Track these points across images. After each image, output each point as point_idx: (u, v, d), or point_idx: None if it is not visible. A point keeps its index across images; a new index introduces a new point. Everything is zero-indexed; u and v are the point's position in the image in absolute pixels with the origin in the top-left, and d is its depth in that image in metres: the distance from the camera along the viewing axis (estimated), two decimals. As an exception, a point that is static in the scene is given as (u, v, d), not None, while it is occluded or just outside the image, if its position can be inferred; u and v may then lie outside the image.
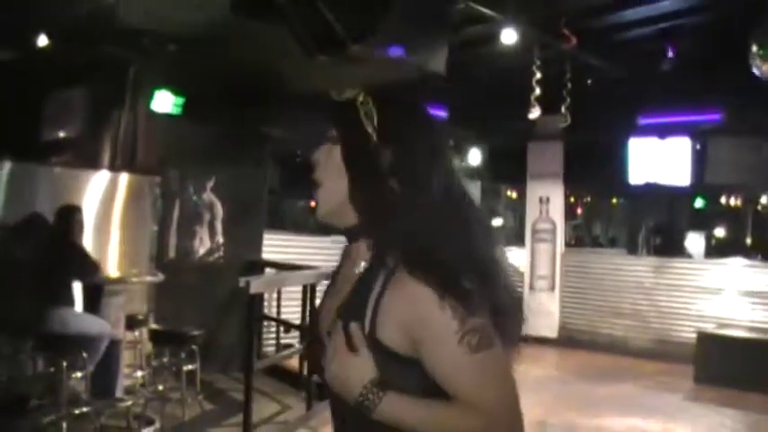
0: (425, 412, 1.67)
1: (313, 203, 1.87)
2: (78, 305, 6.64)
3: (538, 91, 9.07)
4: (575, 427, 7.82)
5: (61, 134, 9.54)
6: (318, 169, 1.86)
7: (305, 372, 7.95)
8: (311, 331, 1.99)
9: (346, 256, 1.93)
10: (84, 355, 6.14)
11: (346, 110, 1.82)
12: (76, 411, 6.26)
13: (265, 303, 9.40)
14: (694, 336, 10.48)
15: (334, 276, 2.00)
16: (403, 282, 1.67)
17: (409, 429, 1.68)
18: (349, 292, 1.80)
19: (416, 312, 1.66)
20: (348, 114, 1.81)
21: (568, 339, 12.61)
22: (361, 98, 1.81)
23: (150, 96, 8.53)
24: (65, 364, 6.04)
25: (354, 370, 1.69)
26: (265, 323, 9.50)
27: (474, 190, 9.61)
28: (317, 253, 10.72)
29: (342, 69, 7.61)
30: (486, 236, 1.82)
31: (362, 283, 1.77)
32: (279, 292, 9.50)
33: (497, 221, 17.63)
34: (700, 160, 11.56)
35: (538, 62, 8.98)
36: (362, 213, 1.79)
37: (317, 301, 7.68)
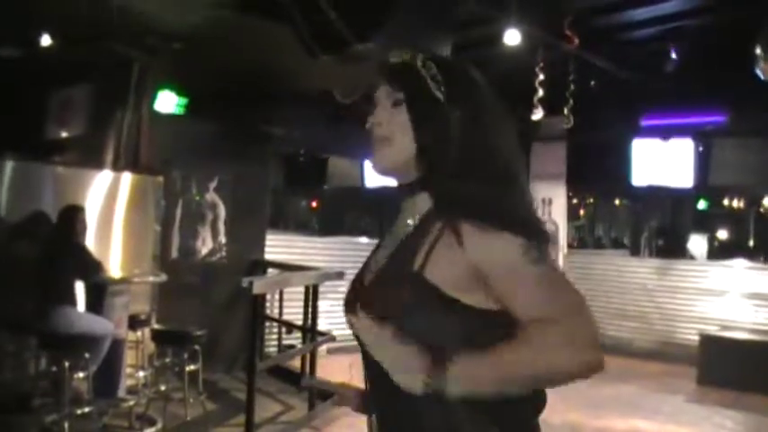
0: (498, 359, 1.66)
1: (376, 158, 1.91)
2: (81, 305, 6.64)
3: (541, 92, 9.06)
4: (577, 428, 7.82)
5: (64, 133, 9.54)
6: (381, 127, 1.88)
7: (307, 372, 7.94)
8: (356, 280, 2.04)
9: (401, 211, 1.95)
10: (87, 354, 6.14)
11: (409, 72, 1.84)
12: (79, 411, 6.26)
13: (268, 304, 9.40)
14: (697, 338, 10.47)
15: (383, 234, 2.03)
16: (464, 227, 1.70)
17: (490, 389, 1.67)
18: (401, 241, 1.86)
19: (484, 252, 1.69)
20: (412, 77, 1.84)
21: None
22: (420, 61, 1.84)
23: (154, 96, 8.53)
24: (67, 363, 6.04)
25: (409, 361, 1.69)
26: (267, 323, 9.51)
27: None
28: (319, 253, 10.74)
29: (345, 69, 7.62)
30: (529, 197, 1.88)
31: (417, 232, 1.82)
32: (281, 293, 9.50)
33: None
34: (703, 162, 11.55)
35: (541, 63, 8.96)
36: (432, 170, 1.82)
37: (320, 302, 7.71)
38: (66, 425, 6.03)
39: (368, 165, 14.03)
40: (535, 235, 1.72)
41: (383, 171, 1.92)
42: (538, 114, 9.16)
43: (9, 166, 7.22)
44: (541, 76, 8.98)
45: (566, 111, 9.47)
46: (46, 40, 7.82)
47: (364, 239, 12.92)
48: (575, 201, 18.79)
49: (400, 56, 1.88)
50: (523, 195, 1.84)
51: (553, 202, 13.12)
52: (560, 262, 13.09)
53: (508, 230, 1.68)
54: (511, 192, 1.80)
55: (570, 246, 14.15)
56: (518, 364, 1.66)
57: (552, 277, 1.74)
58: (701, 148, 11.52)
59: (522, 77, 9.11)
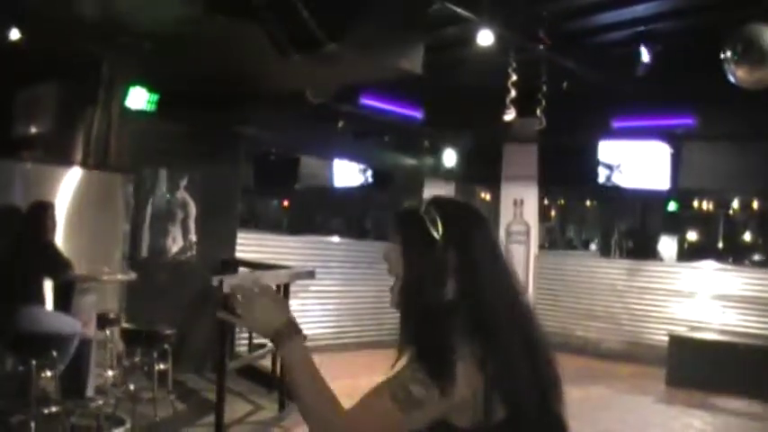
0: (312, 376, 2.01)
1: (391, 294, 2.16)
2: (49, 303, 6.57)
3: (513, 93, 9.08)
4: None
5: (33, 129, 9.44)
6: (389, 266, 2.13)
7: (278, 372, 7.92)
8: None
9: None
10: (55, 354, 6.07)
11: (409, 217, 2.12)
12: (46, 411, 6.20)
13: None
14: (666, 338, 10.54)
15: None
16: None
17: (292, 377, 2.01)
18: None
19: None
20: (410, 221, 2.10)
21: (541, 341, 12.66)
22: (424, 206, 2.09)
23: (124, 93, 8.47)
24: (35, 363, 5.98)
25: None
26: (238, 323, 9.47)
27: (447, 192, 9.59)
28: (290, 253, 10.72)
29: (317, 69, 7.60)
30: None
31: None
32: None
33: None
34: (673, 164, 11.64)
35: (514, 64, 8.99)
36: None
37: (291, 301, 7.67)
38: (32, 425, 5.96)
39: (337, 164, 14.05)
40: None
41: (394, 305, 2.16)
42: (510, 115, 9.18)
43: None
44: (514, 77, 9.00)
45: (538, 112, 9.50)
46: (15, 35, 7.73)
47: (335, 239, 12.92)
48: (546, 202, 18.85)
49: (409, 204, 2.16)
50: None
51: (525, 203, 13.18)
52: (531, 262, 13.14)
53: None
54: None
55: (541, 247, 14.20)
56: (310, 395, 2.02)
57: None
58: (671, 151, 11.61)
59: (494, 78, 9.14)
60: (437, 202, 2.12)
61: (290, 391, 2.07)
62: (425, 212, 2.06)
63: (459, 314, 1.99)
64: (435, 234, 2.03)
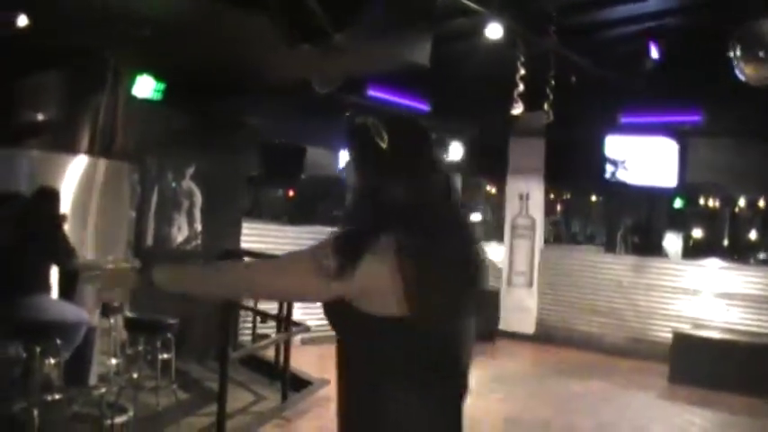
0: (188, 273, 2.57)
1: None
2: (54, 291, 6.57)
3: (521, 87, 9.04)
4: (548, 425, 7.84)
5: (39, 117, 9.43)
6: (348, 177, 2.45)
7: (281, 362, 7.92)
8: None
9: None
10: (58, 341, 6.08)
11: (360, 131, 2.36)
12: (49, 398, 6.21)
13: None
14: (669, 335, 10.54)
15: None
16: None
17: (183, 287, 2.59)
18: None
19: None
20: (361, 134, 2.35)
21: (545, 335, 12.66)
22: (370, 121, 2.33)
23: (131, 81, 8.46)
24: (38, 350, 5.98)
25: None
26: (242, 313, 9.47)
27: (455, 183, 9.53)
28: (294, 242, 10.69)
29: (324, 59, 7.58)
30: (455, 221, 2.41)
31: None
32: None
33: (476, 216, 17.64)
34: (680, 160, 11.61)
35: (522, 58, 8.95)
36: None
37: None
38: (35, 412, 5.97)
39: (343, 155, 14.05)
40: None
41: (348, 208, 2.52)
42: (518, 109, 9.14)
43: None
44: (522, 71, 8.97)
45: (546, 106, 9.47)
46: (22, 22, 7.72)
47: (336, 229, 12.89)
48: (551, 196, 18.83)
49: (358, 119, 2.39)
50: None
51: (530, 198, 13.16)
52: (536, 257, 13.13)
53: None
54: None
55: (546, 241, 14.16)
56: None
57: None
58: (678, 147, 11.59)
59: (502, 72, 9.11)
60: (382, 116, 2.36)
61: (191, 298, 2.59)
62: (373, 126, 2.31)
63: (395, 214, 2.22)
64: (382, 144, 2.28)
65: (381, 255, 2.14)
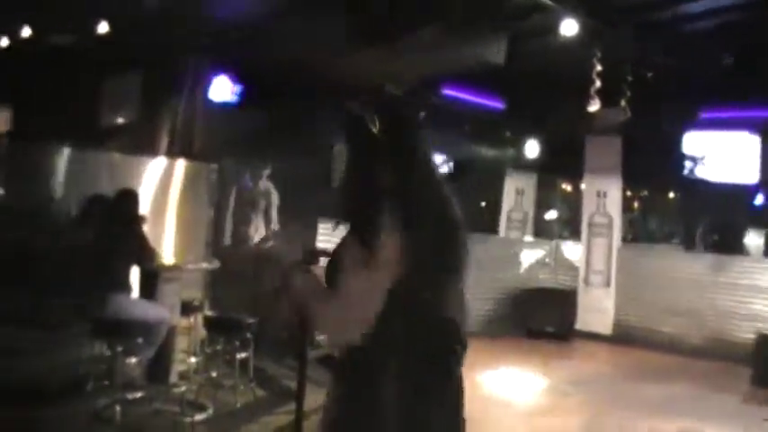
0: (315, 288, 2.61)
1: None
2: (135, 291, 6.69)
3: (598, 83, 8.94)
4: (625, 428, 7.68)
5: (119, 120, 9.63)
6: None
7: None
8: None
9: None
10: (140, 340, 6.19)
11: (353, 117, 2.63)
12: (130, 396, 6.32)
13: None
14: (752, 336, 10.28)
15: None
16: None
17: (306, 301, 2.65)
18: None
19: None
20: (354, 120, 2.62)
21: (623, 336, 12.44)
22: (364, 109, 2.59)
23: (208, 84, 8.57)
24: (120, 348, 6.10)
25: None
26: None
27: (529, 183, 9.48)
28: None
29: (398, 60, 7.59)
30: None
31: None
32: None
33: (552, 214, 17.48)
34: (762, 156, 11.34)
35: (598, 54, 8.84)
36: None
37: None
38: (117, 409, 6.09)
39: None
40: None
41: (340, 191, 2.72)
42: (594, 106, 9.03)
43: (65, 152, 7.29)
44: (598, 67, 8.86)
45: (623, 102, 9.34)
46: (103, 28, 7.88)
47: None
48: (629, 194, 18.56)
49: (351, 107, 2.65)
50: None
51: (608, 195, 12.97)
52: (614, 256, 12.95)
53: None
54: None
55: (623, 239, 13.93)
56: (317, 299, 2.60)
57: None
58: (760, 142, 11.32)
59: (578, 69, 9.01)
60: (376, 103, 2.63)
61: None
62: (366, 113, 2.56)
63: (389, 193, 2.45)
64: (374, 129, 2.52)
65: (390, 229, 2.38)
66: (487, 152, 12.83)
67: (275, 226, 9.53)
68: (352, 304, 2.41)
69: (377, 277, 2.38)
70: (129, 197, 6.64)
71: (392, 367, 2.45)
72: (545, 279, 13.62)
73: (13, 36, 8.68)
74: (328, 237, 10.28)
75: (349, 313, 2.42)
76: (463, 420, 2.69)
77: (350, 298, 2.41)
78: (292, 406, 6.39)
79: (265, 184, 9.40)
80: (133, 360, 6.38)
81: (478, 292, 12.43)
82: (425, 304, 2.49)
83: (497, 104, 11.04)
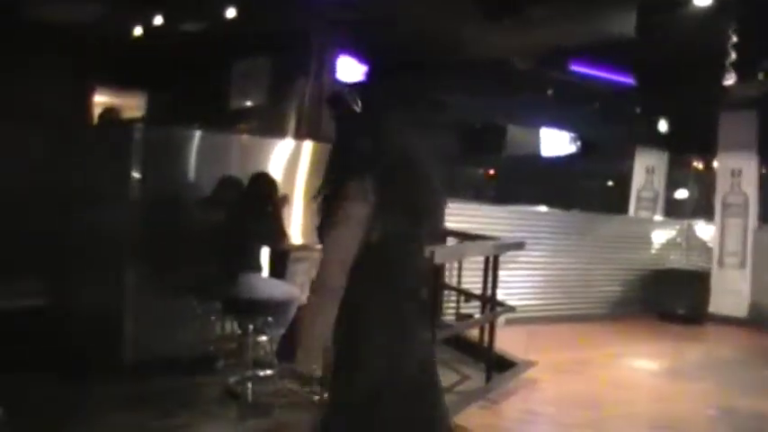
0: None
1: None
2: (265, 271, 6.80)
3: (733, 56, 8.59)
4: (764, 417, 7.38)
5: (247, 103, 9.78)
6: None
7: (485, 342, 7.88)
8: None
9: None
10: (270, 319, 6.28)
11: (338, 98, 3.14)
12: (261, 373, 6.43)
13: (446, 273, 9.36)
14: None
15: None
16: None
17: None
18: None
19: None
20: (339, 100, 3.12)
21: (758, 319, 12.01)
22: (347, 90, 3.12)
23: (335, 65, 8.61)
24: (251, 327, 6.20)
25: None
26: (446, 292, 9.47)
27: (660, 161, 9.20)
28: (497, 223, 10.61)
29: (524, 34, 7.47)
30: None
31: None
32: (459, 262, 9.44)
33: (684, 193, 16.99)
34: None
35: (734, 25, 8.49)
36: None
37: (499, 272, 7.60)
38: (249, 386, 6.20)
39: (545, 133, 13.82)
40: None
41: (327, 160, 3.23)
42: (730, 79, 8.68)
43: (196, 135, 7.43)
44: (734, 39, 8.51)
45: (760, 76, 8.96)
46: (230, 13, 8.00)
47: (542, 209, 12.71)
48: (764, 171, 17.88)
49: (337, 89, 3.31)
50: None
51: (743, 174, 12.53)
52: (750, 237, 12.50)
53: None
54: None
55: (761, 219, 13.42)
56: None
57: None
58: None
59: (712, 41, 8.67)
60: (357, 86, 3.58)
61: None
62: (348, 94, 3.08)
63: (371, 160, 2.94)
64: (356, 108, 3.03)
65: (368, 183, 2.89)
66: (617, 129, 12.53)
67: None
68: (332, 252, 2.97)
69: (350, 230, 2.91)
70: (266, 179, 6.71)
71: (370, 305, 2.99)
72: (676, 260, 13.30)
73: (145, 25, 8.91)
74: (454, 216, 10.24)
75: (331, 260, 2.97)
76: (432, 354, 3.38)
77: (330, 247, 2.99)
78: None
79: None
80: (263, 338, 6.48)
81: (607, 273, 12.22)
82: (395, 251, 3.03)
83: (628, 80, 10.74)
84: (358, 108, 3.04)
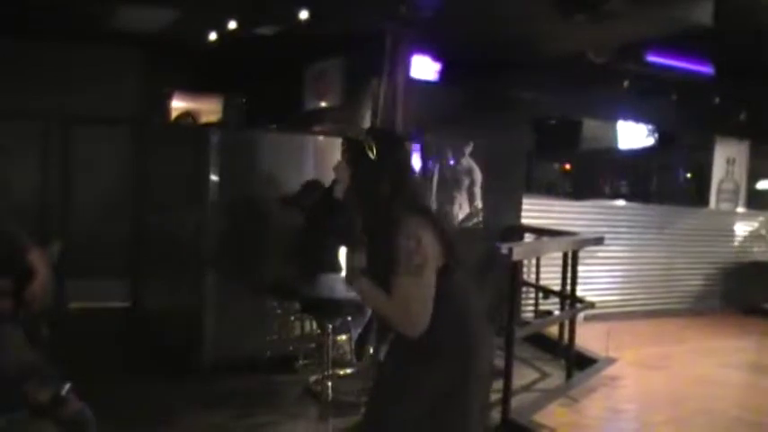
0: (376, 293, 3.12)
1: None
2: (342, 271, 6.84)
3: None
4: None
5: (322, 103, 9.87)
6: (337, 174, 3.99)
7: (565, 339, 7.82)
8: None
9: None
10: (349, 318, 6.32)
11: (355, 144, 3.28)
12: (341, 372, 6.48)
13: (524, 269, 9.31)
14: None
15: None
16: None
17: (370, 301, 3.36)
18: None
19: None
20: (356, 147, 3.26)
21: None
22: (363, 137, 3.25)
23: (410, 64, 8.61)
24: (330, 326, 6.25)
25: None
26: (524, 289, 9.42)
27: (740, 151, 9.01)
28: (574, 217, 10.52)
29: (598, 27, 7.38)
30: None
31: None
32: (538, 258, 9.38)
33: (765, 184, 16.62)
34: None
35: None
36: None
37: (579, 268, 7.56)
38: (328, 384, 6.26)
39: (621, 126, 13.63)
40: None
41: (340, 196, 3.63)
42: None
43: (272, 136, 7.52)
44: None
45: None
46: (304, 15, 8.07)
47: (621, 203, 12.56)
48: None
49: (352, 135, 3.43)
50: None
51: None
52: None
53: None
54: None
55: None
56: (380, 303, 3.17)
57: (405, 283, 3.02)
58: None
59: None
60: (372, 132, 3.68)
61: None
62: (365, 140, 3.19)
63: (395, 200, 3.09)
64: (371, 154, 3.15)
65: (423, 226, 3.03)
66: (695, 120, 12.30)
67: (479, 203, 9.51)
68: (407, 309, 2.99)
69: (421, 281, 2.98)
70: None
71: (446, 350, 3.10)
72: (760, 253, 13.02)
73: (221, 29, 9.03)
74: (532, 212, 10.18)
75: (407, 316, 3.01)
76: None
77: (404, 305, 2.99)
78: (499, 384, 6.40)
79: (468, 161, 9.40)
80: (342, 337, 6.53)
81: (688, 267, 12.03)
82: (467, 291, 3.34)
83: (706, 69, 10.52)
84: (373, 153, 3.16)
